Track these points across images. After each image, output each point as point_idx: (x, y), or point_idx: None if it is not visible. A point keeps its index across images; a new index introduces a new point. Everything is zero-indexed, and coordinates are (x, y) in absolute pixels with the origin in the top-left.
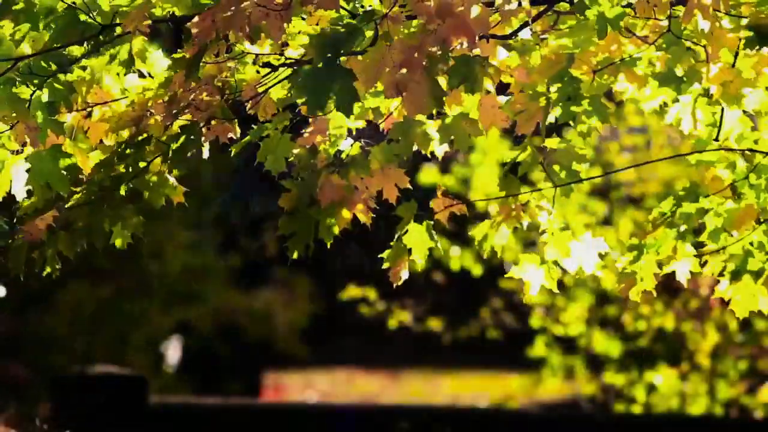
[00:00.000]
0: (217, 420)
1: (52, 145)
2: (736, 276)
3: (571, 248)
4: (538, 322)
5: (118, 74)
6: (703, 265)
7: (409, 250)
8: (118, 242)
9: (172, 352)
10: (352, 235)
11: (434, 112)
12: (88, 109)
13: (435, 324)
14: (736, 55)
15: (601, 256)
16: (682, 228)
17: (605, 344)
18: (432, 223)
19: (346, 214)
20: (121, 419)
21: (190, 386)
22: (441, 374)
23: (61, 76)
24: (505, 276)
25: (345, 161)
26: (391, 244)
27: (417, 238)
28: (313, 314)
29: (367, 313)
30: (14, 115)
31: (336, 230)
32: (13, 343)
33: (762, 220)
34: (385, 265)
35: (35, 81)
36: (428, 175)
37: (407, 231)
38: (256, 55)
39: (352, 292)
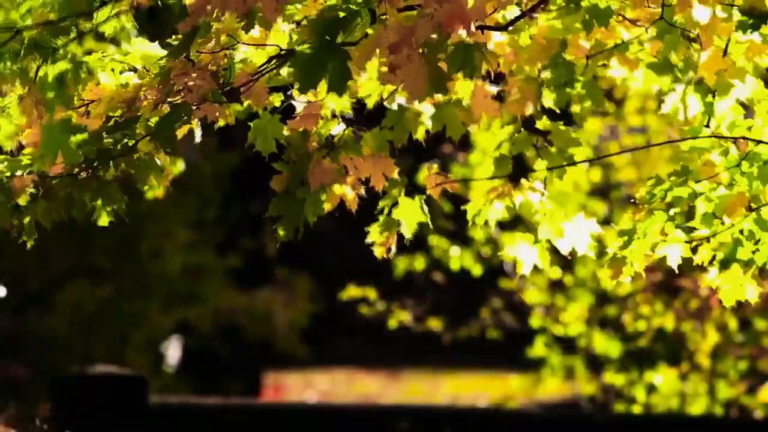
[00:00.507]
0: (217, 420)
1: (63, 118)
2: (725, 265)
3: (564, 229)
4: (538, 322)
5: (113, 70)
6: (693, 250)
7: (399, 224)
8: (100, 220)
9: (172, 352)
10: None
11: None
12: (84, 107)
13: (435, 324)
14: (728, 42)
15: (594, 239)
16: (672, 211)
17: (605, 344)
18: (424, 197)
19: (337, 190)
20: (121, 419)
21: (190, 386)
22: (441, 374)
23: (69, 49)
24: (503, 254)
25: (337, 144)
26: (379, 218)
27: (408, 211)
28: (313, 314)
29: (367, 313)
30: (19, 87)
31: (323, 210)
32: (13, 343)
33: (753, 208)
34: (371, 238)
35: (40, 55)
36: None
37: (397, 204)
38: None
39: (352, 292)
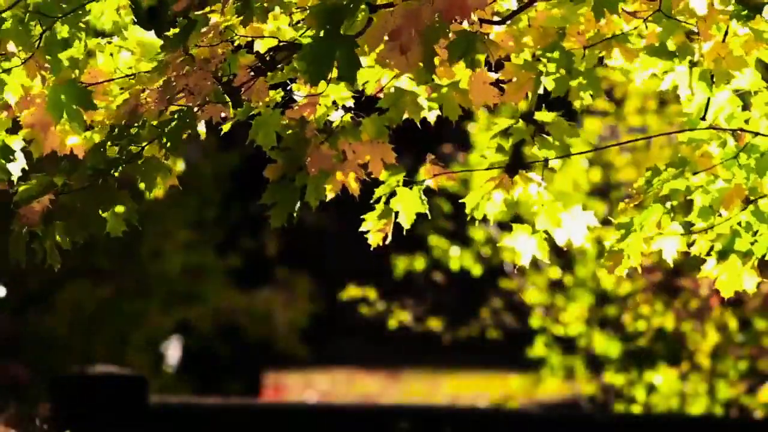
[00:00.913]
0: (217, 420)
1: (69, 80)
2: (723, 256)
3: (562, 219)
4: (538, 322)
5: (111, 54)
6: (690, 244)
7: (396, 214)
8: (114, 230)
9: (172, 352)
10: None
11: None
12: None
13: (435, 324)
14: (726, 33)
15: (591, 230)
16: (668, 204)
17: (605, 344)
18: (423, 186)
19: (339, 176)
20: (121, 419)
21: (190, 386)
22: (441, 374)
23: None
24: (501, 245)
25: (335, 130)
26: (376, 206)
27: (406, 201)
28: (313, 314)
29: (367, 313)
30: (21, 50)
31: (324, 194)
32: (13, 343)
33: (750, 200)
34: (366, 226)
35: (44, 22)
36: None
37: (395, 194)
38: (252, 38)
39: (352, 292)
